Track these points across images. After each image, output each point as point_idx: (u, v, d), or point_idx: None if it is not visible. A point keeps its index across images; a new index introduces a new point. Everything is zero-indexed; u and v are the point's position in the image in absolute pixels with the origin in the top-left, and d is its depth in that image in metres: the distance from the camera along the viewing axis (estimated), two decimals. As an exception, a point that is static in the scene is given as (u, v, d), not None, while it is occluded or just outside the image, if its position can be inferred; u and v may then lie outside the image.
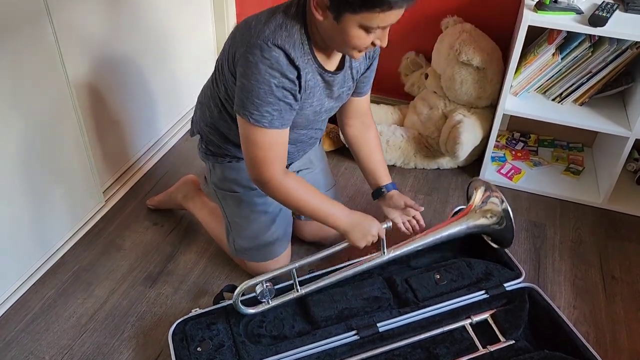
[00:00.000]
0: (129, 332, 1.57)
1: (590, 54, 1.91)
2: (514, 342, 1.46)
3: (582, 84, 1.97)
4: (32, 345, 1.52)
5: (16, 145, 1.53)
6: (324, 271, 1.62)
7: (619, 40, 1.85)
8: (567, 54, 1.93)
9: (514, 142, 2.35)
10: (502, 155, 2.28)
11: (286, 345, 1.42)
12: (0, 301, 1.60)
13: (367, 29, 1.18)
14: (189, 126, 2.39)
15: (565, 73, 1.97)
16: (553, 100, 2.04)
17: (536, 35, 2.06)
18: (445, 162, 2.23)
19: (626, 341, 1.59)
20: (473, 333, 1.48)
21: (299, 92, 1.29)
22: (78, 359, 1.50)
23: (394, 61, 2.37)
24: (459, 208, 1.75)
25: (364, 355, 1.41)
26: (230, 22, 2.53)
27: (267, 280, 1.44)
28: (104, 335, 1.56)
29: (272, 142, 1.31)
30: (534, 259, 1.84)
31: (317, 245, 1.80)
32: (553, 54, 1.95)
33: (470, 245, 1.77)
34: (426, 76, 2.22)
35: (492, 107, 2.15)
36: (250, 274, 1.67)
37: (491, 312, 1.52)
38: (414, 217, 1.57)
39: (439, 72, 2.15)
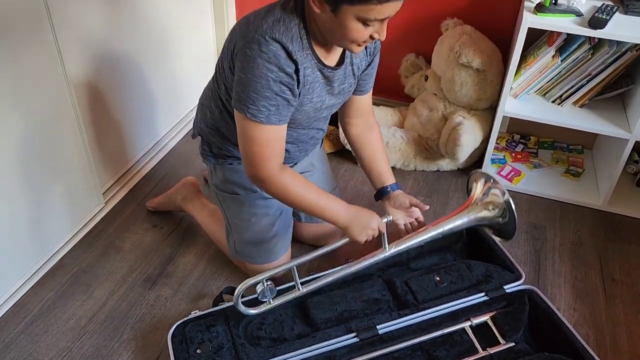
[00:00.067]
0: (128, 334, 1.56)
1: (590, 56, 1.91)
2: (513, 344, 1.45)
3: (582, 86, 1.97)
4: (31, 348, 1.52)
5: (15, 146, 1.53)
6: (324, 273, 1.62)
7: (618, 43, 1.85)
8: (567, 56, 1.93)
9: (513, 144, 2.35)
10: (502, 157, 2.28)
11: (285, 348, 1.42)
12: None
13: (365, 22, 1.17)
14: (188, 128, 2.40)
15: (565, 75, 1.97)
16: (553, 102, 2.04)
17: (536, 38, 2.06)
18: (445, 164, 2.23)
19: (626, 343, 1.59)
20: (473, 335, 1.47)
21: (298, 87, 1.28)
22: (77, 361, 1.50)
23: (394, 63, 2.37)
24: None
25: (363, 358, 1.41)
26: (230, 22, 2.53)
27: (267, 279, 1.43)
28: (103, 338, 1.55)
29: (269, 138, 1.30)
30: (533, 261, 1.84)
31: (317, 247, 1.80)
32: (553, 56, 1.95)
33: (470, 247, 1.78)
34: (426, 78, 2.22)
35: (492, 109, 2.15)
36: (250, 275, 1.67)
37: (491, 314, 1.51)
38: (416, 219, 1.56)
39: (439, 74, 2.15)
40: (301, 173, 1.65)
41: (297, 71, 1.26)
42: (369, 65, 1.48)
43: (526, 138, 2.39)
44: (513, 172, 2.20)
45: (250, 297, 1.52)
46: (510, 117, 2.26)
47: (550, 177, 2.20)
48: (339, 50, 1.37)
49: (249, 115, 1.26)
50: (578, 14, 1.79)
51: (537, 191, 2.13)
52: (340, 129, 2.16)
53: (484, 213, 1.52)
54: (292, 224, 1.71)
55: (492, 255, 1.68)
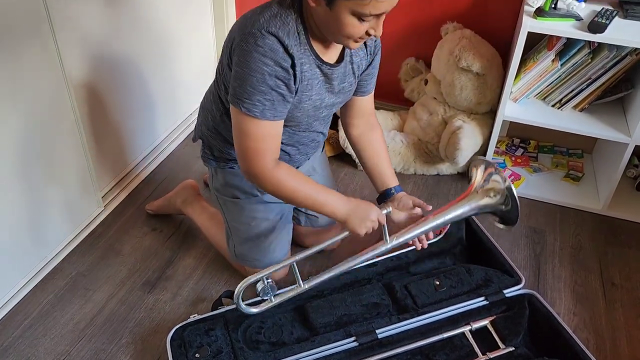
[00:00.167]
0: (127, 338, 1.56)
1: (589, 60, 1.91)
2: (513, 349, 1.45)
3: (582, 90, 1.97)
4: (30, 351, 1.52)
5: (14, 148, 1.53)
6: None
7: (618, 47, 1.86)
8: (566, 60, 1.93)
9: (513, 148, 2.35)
10: (502, 161, 2.28)
11: (285, 352, 1.42)
12: (-2, 306, 1.60)
13: (360, 17, 1.16)
14: (188, 132, 2.40)
15: (565, 79, 1.97)
16: (553, 106, 2.04)
17: (536, 42, 2.07)
18: (445, 168, 2.23)
19: (626, 348, 1.58)
20: (472, 340, 1.47)
21: (294, 82, 1.28)
22: (76, 364, 1.49)
23: (393, 67, 2.37)
24: None
25: (363, 362, 1.41)
26: (230, 24, 2.52)
27: (267, 277, 1.41)
28: (102, 341, 1.55)
29: (264, 133, 1.29)
30: (533, 265, 1.83)
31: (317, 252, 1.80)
32: (553, 60, 1.95)
33: (469, 251, 1.77)
34: (426, 82, 2.22)
35: (492, 113, 2.15)
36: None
37: (491, 318, 1.51)
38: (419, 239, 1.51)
39: (438, 78, 2.15)
40: None
41: (293, 66, 1.25)
42: (369, 65, 1.47)
43: (526, 142, 2.39)
44: (513, 176, 2.20)
45: (250, 300, 1.51)
46: (510, 121, 2.26)
47: (550, 181, 2.20)
48: (339, 47, 1.36)
49: (244, 110, 1.26)
50: (578, 18, 1.79)
51: (537, 195, 2.12)
52: (340, 133, 2.18)
53: (486, 200, 1.45)
54: (292, 228, 1.70)
55: (492, 260, 1.68)
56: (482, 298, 1.55)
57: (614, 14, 1.79)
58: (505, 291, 1.57)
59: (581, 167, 2.27)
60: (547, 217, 2.05)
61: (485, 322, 1.50)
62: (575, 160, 2.31)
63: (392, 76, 2.39)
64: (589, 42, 1.90)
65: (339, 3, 1.15)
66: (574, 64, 1.93)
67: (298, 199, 1.37)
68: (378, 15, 1.19)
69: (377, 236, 1.45)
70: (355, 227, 1.39)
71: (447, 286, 1.57)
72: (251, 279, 1.40)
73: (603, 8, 1.81)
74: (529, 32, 1.78)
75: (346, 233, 1.42)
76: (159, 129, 2.26)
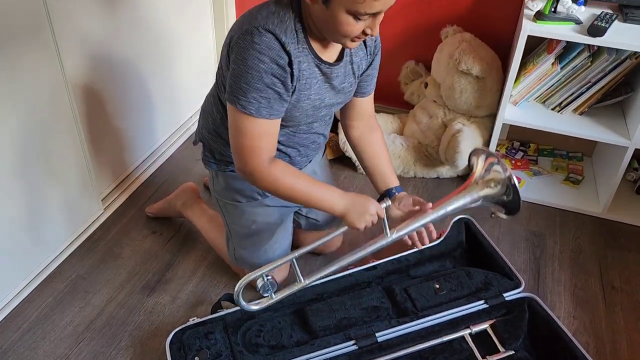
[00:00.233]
0: (126, 341, 1.56)
1: (589, 63, 1.91)
2: (513, 352, 1.45)
3: (582, 93, 1.97)
4: (29, 355, 1.51)
5: (14, 151, 1.53)
6: (324, 280, 1.61)
7: (617, 50, 1.86)
8: (566, 64, 1.93)
9: (513, 151, 2.35)
10: (502, 164, 2.28)
11: (284, 355, 1.41)
12: (-3, 309, 1.60)
13: (356, 15, 1.16)
14: (187, 135, 2.40)
15: (565, 82, 1.97)
16: (552, 109, 2.04)
17: (535, 45, 2.07)
18: (445, 171, 2.23)
19: (626, 351, 1.58)
20: (472, 343, 1.47)
21: (292, 80, 1.27)
22: (75, 368, 1.49)
23: (393, 70, 2.37)
24: None
25: (362, 366, 1.41)
26: (230, 25, 2.53)
27: (267, 274, 1.40)
28: (101, 344, 1.55)
29: (260, 131, 1.28)
30: (533, 268, 1.83)
31: (317, 255, 1.80)
32: (552, 64, 1.95)
33: (469, 254, 1.77)
34: (426, 85, 2.22)
35: (492, 116, 2.15)
36: (249, 283, 1.66)
37: (490, 322, 1.51)
38: (417, 233, 1.48)
39: (438, 81, 2.15)
40: None
41: (290, 64, 1.25)
42: (369, 65, 1.47)
43: (526, 145, 2.39)
44: (513, 179, 2.20)
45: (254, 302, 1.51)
46: (510, 125, 2.26)
47: (550, 185, 2.20)
48: (338, 46, 1.35)
49: (240, 107, 1.25)
50: (577, 21, 1.79)
51: (536, 198, 2.12)
52: (340, 136, 2.19)
53: (486, 191, 1.43)
54: (293, 232, 1.70)
55: (492, 263, 1.68)
56: (482, 301, 1.54)
57: (614, 17, 1.79)
58: (505, 294, 1.56)
59: (581, 171, 2.27)
60: (547, 220, 2.04)
61: (485, 326, 1.50)
62: (575, 163, 2.31)
63: (392, 79, 2.39)
64: (589, 45, 1.90)
65: (335, 1, 1.15)
66: (573, 67, 1.93)
67: (295, 195, 1.36)
68: (374, 15, 1.18)
69: (378, 234, 1.43)
70: (355, 221, 1.37)
71: (447, 289, 1.57)
72: (251, 276, 1.39)
73: (602, 12, 1.81)
74: (528, 36, 1.78)
75: (345, 227, 1.40)
76: (159, 131, 2.26)
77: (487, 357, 1.43)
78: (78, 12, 1.69)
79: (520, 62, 1.87)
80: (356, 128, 1.60)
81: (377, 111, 2.11)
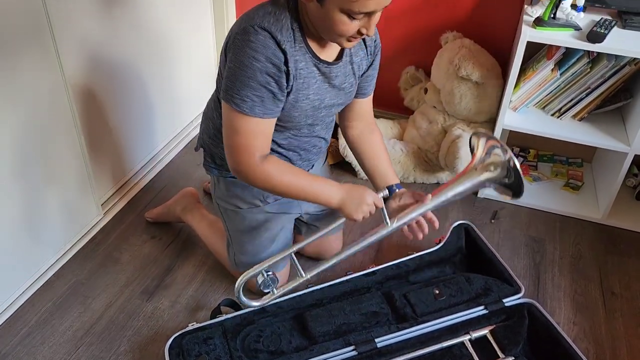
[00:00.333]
0: (125, 346, 1.56)
1: (588, 69, 1.92)
2: (513, 358, 1.45)
3: (581, 99, 1.97)
4: (28, 359, 1.51)
5: (13, 155, 1.53)
6: (323, 285, 1.61)
7: (617, 57, 1.86)
8: (565, 70, 1.94)
9: (513, 156, 2.35)
10: (502, 170, 2.28)
11: (283, 361, 1.41)
12: (-3, 314, 1.60)
13: (350, 14, 1.16)
14: (187, 140, 2.41)
15: (564, 88, 1.97)
16: (552, 115, 2.04)
17: (535, 51, 2.07)
18: (445, 177, 2.23)
19: (626, 358, 1.58)
20: (472, 349, 1.46)
21: (288, 80, 1.27)
22: (73, 373, 1.49)
23: (393, 75, 2.38)
24: None
25: (361, 371, 1.40)
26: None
27: (267, 271, 1.40)
28: (100, 349, 1.55)
29: (254, 130, 1.28)
30: (533, 274, 1.83)
31: (318, 260, 1.79)
32: (552, 70, 1.96)
33: (469, 260, 1.77)
34: (425, 91, 2.22)
35: (492, 121, 2.15)
36: (248, 289, 1.66)
37: (490, 328, 1.51)
38: (417, 223, 1.47)
39: (438, 86, 2.16)
40: None
41: (286, 62, 1.25)
42: (370, 66, 1.47)
43: (525, 151, 2.39)
44: (512, 185, 2.20)
45: (248, 309, 1.51)
46: (510, 130, 2.26)
47: (550, 190, 2.20)
48: (337, 46, 1.35)
49: (233, 105, 1.26)
50: (577, 28, 1.80)
51: (536, 204, 2.12)
52: (340, 141, 2.19)
53: (486, 175, 1.41)
54: (293, 239, 1.70)
55: (492, 268, 1.68)
56: (482, 307, 1.54)
57: (613, 24, 1.79)
58: (504, 300, 1.56)
59: (581, 176, 2.27)
60: (547, 226, 2.04)
61: (484, 332, 1.50)
62: (574, 169, 2.31)
63: (391, 85, 2.39)
64: (588, 51, 1.90)
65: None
66: (573, 74, 1.94)
67: (291, 191, 1.36)
68: (369, 14, 1.18)
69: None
70: (352, 212, 1.37)
71: (447, 295, 1.56)
72: (250, 272, 1.39)
73: (602, 18, 1.82)
74: (528, 42, 1.78)
75: (343, 219, 1.39)
76: (159, 136, 2.26)
77: (487, 363, 1.43)
78: (78, 14, 1.69)
79: (520, 68, 1.87)
80: (355, 128, 1.59)
81: (376, 116, 2.13)
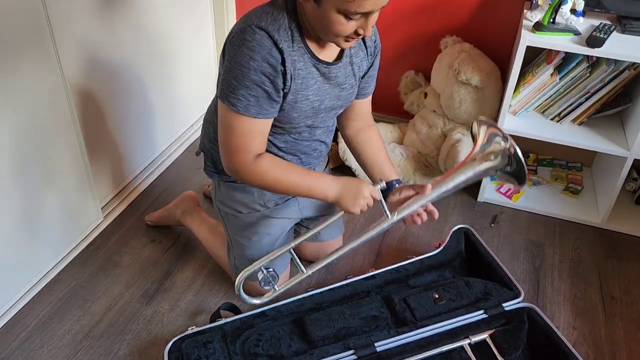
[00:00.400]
0: (124, 350, 1.55)
1: (588, 74, 1.92)
2: (512, 362, 1.45)
3: (581, 103, 1.98)
4: (27, 363, 1.51)
5: (13, 159, 1.53)
6: (323, 289, 1.61)
7: (616, 61, 1.87)
8: (565, 74, 1.94)
9: (513, 161, 2.35)
10: (501, 174, 2.28)
11: (283, 365, 1.41)
12: (-4, 317, 1.60)
13: (346, 15, 1.16)
14: (187, 144, 2.41)
15: (564, 93, 1.98)
16: (552, 119, 2.04)
17: (534, 55, 2.08)
18: (444, 181, 2.23)
19: (626, 363, 1.58)
20: (472, 353, 1.46)
21: (284, 80, 1.27)
22: (73, 377, 1.49)
23: (393, 80, 2.38)
24: None
25: (361, 375, 1.40)
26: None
27: (267, 268, 1.40)
28: (99, 353, 1.54)
29: (249, 129, 1.28)
30: (533, 278, 1.83)
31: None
32: (551, 74, 1.96)
33: (469, 264, 1.77)
34: (425, 95, 2.23)
35: (491, 126, 2.15)
36: (249, 293, 1.66)
37: (490, 332, 1.50)
38: (418, 214, 1.45)
39: (438, 91, 2.16)
40: None
41: (283, 62, 1.25)
42: (370, 67, 1.47)
43: (525, 155, 2.39)
44: (512, 190, 2.20)
45: (248, 313, 1.51)
46: (509, 134, 2.26)
47: (550, 195, 2.20)
48: (336, 46, 1.34)
49: (228, 104, 1.26)
50: (576, 32, 1.80)
51: (536, 208, 2.12)
52: (340, 144, 2.19)
53: (486, 164, 1.39)
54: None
55: (491, 273, 1.68)
56: (481, 311, 1.54)
57: (612, 28, 1.80)
58: (504, 304, 1.56)
59: (580, 181, 2.27)
60: (547, 230, 2.04)
61: (484, 336, 1.49)
62: (574, 173, 2.31)
63: (391, 89, 2.40)
64: (588, 56, 1.91)
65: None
66: (572, 78, 1.94)
67: (287, 187, 1.35)
68: (366, 15, 1.18)
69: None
70: (349, 206, 1.36)
71: (446, 299, 1.56)
72: (250, 268, 1.39)
73: (601, 23, 1.82)
74: (527, 46, 1.79)
75: (341, 212, 1.39)
76: (159, 140, 2.26)
77: (487, 367, 1.43)
78: (78, 15, 1.69)
79: (520, 73, 1.88)
80: (353, 127, 1.60)
81: (376, 121, 2.13)
